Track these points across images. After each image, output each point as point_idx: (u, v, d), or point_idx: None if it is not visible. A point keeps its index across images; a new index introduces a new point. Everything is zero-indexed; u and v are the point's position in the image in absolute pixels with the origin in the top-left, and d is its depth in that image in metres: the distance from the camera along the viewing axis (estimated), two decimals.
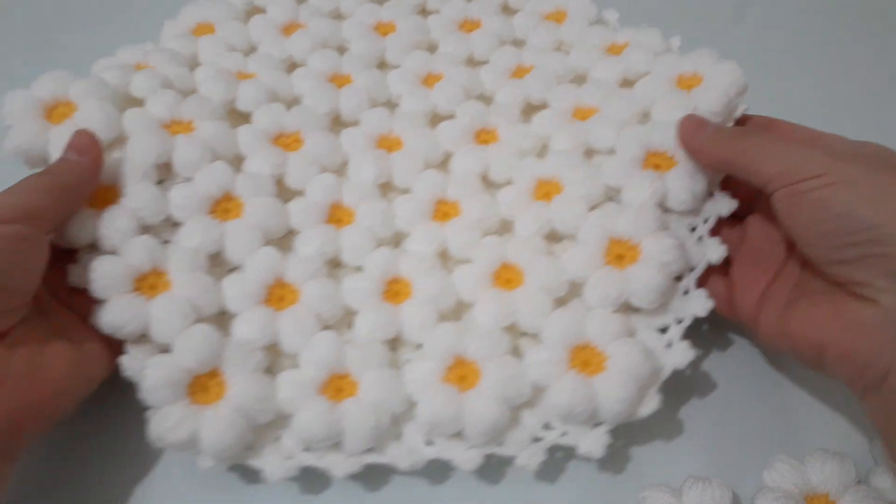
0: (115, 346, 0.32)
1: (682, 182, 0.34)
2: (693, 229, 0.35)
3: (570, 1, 0.45)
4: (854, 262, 0.28)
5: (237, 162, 0.37)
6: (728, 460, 0.33)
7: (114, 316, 0.31)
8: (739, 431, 0.34)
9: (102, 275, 0.32)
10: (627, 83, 0.40)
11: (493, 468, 0.32)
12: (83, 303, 0.32)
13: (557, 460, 0.33)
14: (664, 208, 0.35)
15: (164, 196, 0.34)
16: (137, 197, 0.34)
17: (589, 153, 0.38)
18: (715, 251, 0.34)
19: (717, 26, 0.54)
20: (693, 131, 0.34)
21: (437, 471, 0.32)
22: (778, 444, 0.33)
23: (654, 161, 0.35)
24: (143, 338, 0.32)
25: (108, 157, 0.34)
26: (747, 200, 0.35)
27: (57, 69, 0.36)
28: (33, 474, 0.33)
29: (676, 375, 0.32)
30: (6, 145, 0.34)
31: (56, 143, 0.34)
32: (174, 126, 0.37)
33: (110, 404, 0.34)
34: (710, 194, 0.35)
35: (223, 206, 0.35)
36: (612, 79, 0.40)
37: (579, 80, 0.42)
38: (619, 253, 0.33)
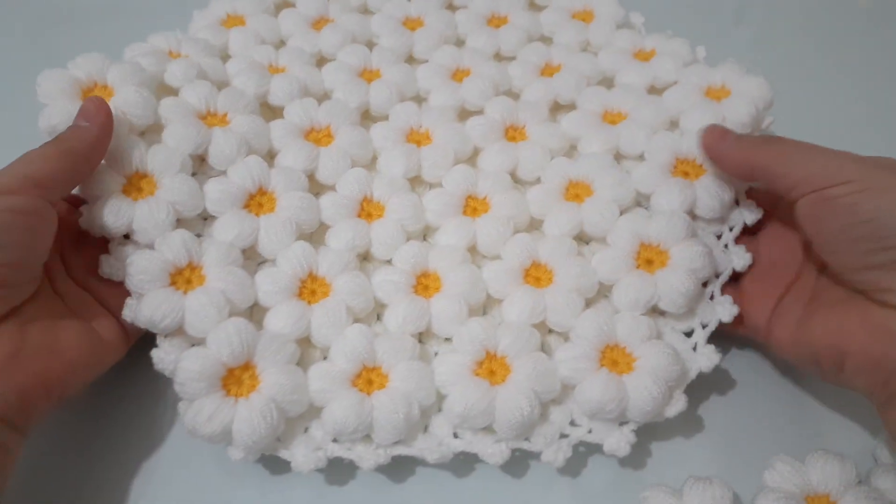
0: (128, 331, 0.33)
1: (712, 190, 0.35)
2: (718, 237, 0.36)
3: (599, 2, 0.46)
4: (881, 268, 0.28)
5: (270, 156, 0.38)
6: (728, 460, 0.34)
7: (152, 311, 0.31)
8: (740, 432, 0.34)
9: (140, 270, 0.32)
10: (655, 90, 0.41)
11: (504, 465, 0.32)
12: (100, 285, 0.33)
13: None
14: (692, 215, 0.35)
15: (200, 189, 0.35)
16: (176, 190, 0.34)
17: (618, 157, 0.39)
18: (740, 259, 0.35)
19: (717, 26, 0.54)
20: (717, 139, 0.34)
21: (461, 464, 0.33)
22: (778, 445, 0.33)
23: (684, 168, 0.36)
24: (175, 331, 0.32)
25: (144, 144, 0.34)
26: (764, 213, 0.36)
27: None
28: (47, 451, 0.34)
29: None
30: (41, 124, 0.34)
31: None
32: (209, 118, 0.37)
33: (126, 385, 0.35)
34: (735, 202, 0.36)
35: (257, 200, 0.36)
36: (640, 85, 0.41)
37: (607, 82, 0.43)
38: (649, 258, 0.34)
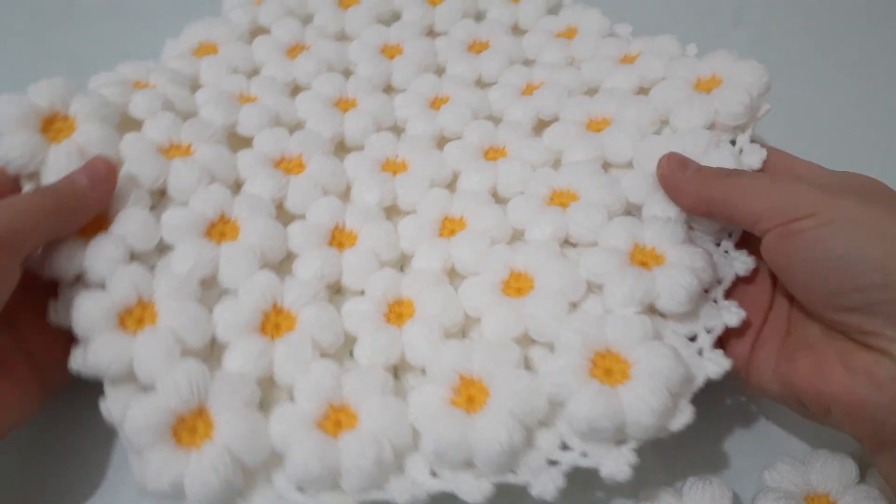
0: (49, 381, 0.31)
1: None
2: (717, 245, 0.33)
3: (582, 17, 0.44)
4: (860, 310, 0.26)
5: (236, 187, 0.36)
6: (728, 460, 0.33)
7: (97, 357, 0.29)
8: (740, 431, 0.34)
9: (84, 314, 0.29)
10: (643, 91, 0.39)
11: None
12: (28, 330, 0.31)
13: None
14: (688, 227, 0.33)
15: (156, 221, 0.32)
16: (126, 222, 0.32)
17: (605, 166, 0.36)
18: (742, 263, 0.32)
19: (715, 27, 0.54)
20: (674, 171, 0.32)
21: None
22: (778, 445, 0.33)
23: None
24: (124, 378, 0.29)
25: None
26: None
27: (56, 74, 0.35)
28: None
29: None
30: None
31: (54, 163, 0.32)
32: (172, 150, 0.35)
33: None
34: None
35: (219, 228, 0.33)
36: (626, 87, 0.39)
37: (592, 93, 0.40)
38: (643, 260, 0.31)
